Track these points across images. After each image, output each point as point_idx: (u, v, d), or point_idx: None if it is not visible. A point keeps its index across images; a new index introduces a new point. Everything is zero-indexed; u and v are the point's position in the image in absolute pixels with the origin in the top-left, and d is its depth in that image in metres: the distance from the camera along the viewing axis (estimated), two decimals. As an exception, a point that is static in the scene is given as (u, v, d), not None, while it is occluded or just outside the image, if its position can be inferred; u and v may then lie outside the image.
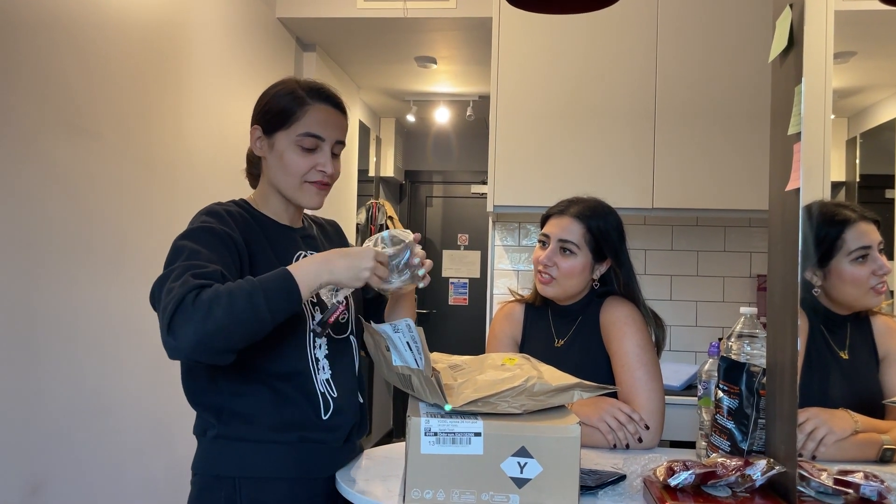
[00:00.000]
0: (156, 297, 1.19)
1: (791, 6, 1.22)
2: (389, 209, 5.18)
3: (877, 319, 1.64)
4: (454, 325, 5.87)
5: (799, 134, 1.18)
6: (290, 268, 1.20)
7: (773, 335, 1.26)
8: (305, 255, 1.42)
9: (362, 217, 4.94)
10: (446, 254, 5.95)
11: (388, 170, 5.57)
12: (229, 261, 1.26)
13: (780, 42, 1.25)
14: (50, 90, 1.94)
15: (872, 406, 1.55)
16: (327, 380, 1.37)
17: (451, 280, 5.92)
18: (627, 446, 1.55)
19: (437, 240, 6.00)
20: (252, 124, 1.42)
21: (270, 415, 1.32)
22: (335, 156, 1.41)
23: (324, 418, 1.35)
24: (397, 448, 1.49)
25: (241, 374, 1.32)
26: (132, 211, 2.30)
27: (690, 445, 1.59)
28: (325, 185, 1.41)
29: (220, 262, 1.23)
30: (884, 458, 1.44)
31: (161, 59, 2.46)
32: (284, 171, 1.38)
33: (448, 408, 1.15)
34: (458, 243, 5.98)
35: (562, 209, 1.77)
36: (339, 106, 1.43)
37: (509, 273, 3.17)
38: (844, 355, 1.61)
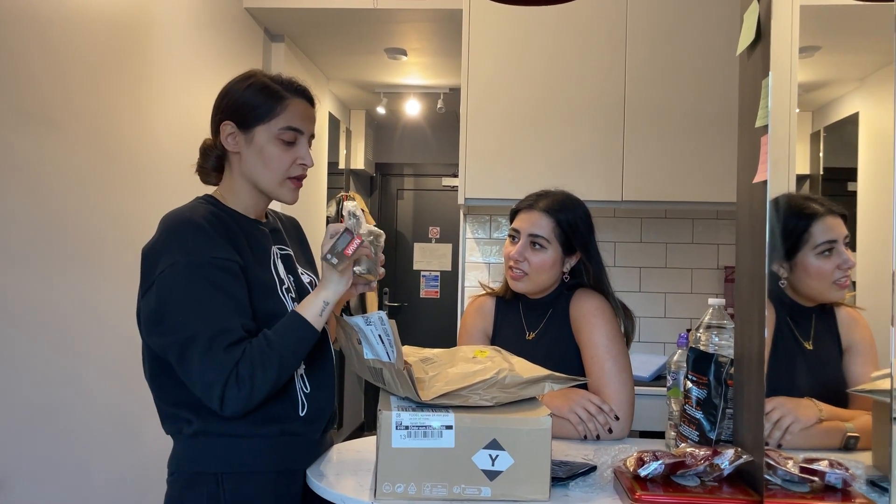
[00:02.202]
0: (185, 362, 1.22)
1: (758, 0, 1.23)
2: (360, 202, 5.15)
3: (841, 311, 1.66)
4: (425, 318, 5.87)
5: (766, 127, 1.19)
6: (298, 310, 1.29)
7: (741, 326, 1.28)
8: (278, 251, 1.43)
9: (332, 210, 4.90)
10: (417, 247, 5.94)
11: (359, 162, 5.53)
12: (240, 293, 1.28)
13: (747, 35, 1.26)
14: (9, 78, 1.89)
15: (836, 395, 1.57)
16: (302, 375, 1.36)
17: (422, 273, 5.91)
18: (598, 437, 1.56)
19: (409, 233, 5.98)
20: (221, 119, 1.38)
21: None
22: None
23: (301, 414, 1.35)
24: (368, 442, 1.48)
25: None
26: (95, 202, 2.25)
27: (660, 435, 1.61)
28: (301, 180, 1.42)
29: (234, 305, 1.26)
30: (847, 445, 1.47)
31: (125, 48, 2.41)
32: (266, 166, 1.37)
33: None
34: (430, 236, 5.97)
35: (530, 203, 1.77)
36: (311, 100, 1.45)
37: (480, 266, 3.17)
38: (809, 346, 1.63)
